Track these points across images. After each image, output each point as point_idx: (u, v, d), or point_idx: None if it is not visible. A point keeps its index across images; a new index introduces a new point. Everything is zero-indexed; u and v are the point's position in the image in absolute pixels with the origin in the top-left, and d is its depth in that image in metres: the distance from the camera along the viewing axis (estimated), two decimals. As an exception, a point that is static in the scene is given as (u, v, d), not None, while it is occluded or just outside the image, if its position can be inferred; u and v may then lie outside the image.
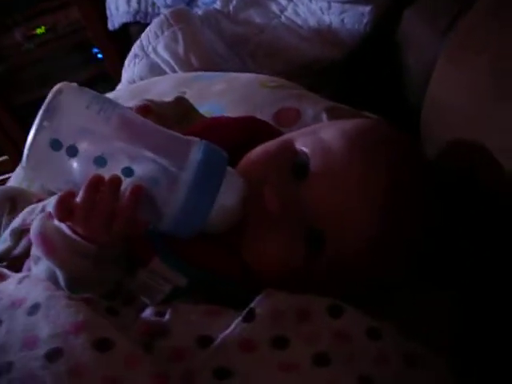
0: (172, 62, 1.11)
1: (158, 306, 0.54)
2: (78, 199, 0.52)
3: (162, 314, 0.53)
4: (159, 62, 1.12)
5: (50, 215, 0.57)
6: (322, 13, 1.08)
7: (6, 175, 1.99)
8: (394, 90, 1.02)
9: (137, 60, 1.16)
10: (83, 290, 0.53)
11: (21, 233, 0.72)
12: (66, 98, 0.54)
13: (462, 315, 0.61)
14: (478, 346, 0.59)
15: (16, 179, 0.99)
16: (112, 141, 0.53)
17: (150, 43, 1.13)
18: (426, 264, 0.60)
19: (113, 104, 0.56)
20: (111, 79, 1.77)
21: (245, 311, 0.50)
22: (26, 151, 0.53)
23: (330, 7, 1.05)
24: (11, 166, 2.06)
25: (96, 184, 0.51)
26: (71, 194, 0.53)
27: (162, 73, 1.12)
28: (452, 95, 0.73)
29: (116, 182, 0.51)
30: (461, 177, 0.63)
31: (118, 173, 0.52)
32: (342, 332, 0.50)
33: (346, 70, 1.10)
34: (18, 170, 1.01)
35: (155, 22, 1.12)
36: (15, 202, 0.80)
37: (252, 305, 0.50)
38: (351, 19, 1.04)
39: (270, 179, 0.57)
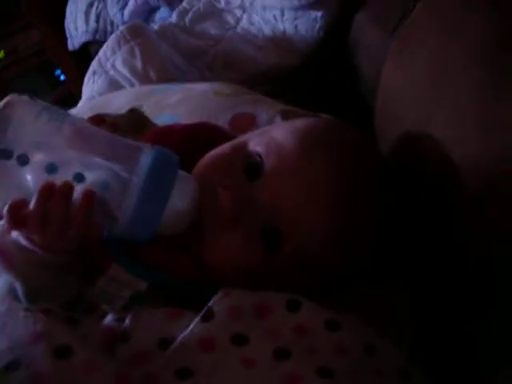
0: (130, 77, 1.11)
1: (118, 313, 0.54)
2: (30, 206, 0.52)
3: (122, 320, 0.53)
4: (118, 77, 1.13)
5: (7, 229, 0.58)
6: (276, 20, 1.09)
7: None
8: (350, 92, 1.05)
9: (96, 77, 1.16)
10: (43, 300, 0.53)
11: None
12: (16, 108, 0.55)
13: (414, 305, 0.62)
14: (433, 336, 0.60)
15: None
16: (62, 148, 0.54)
17: (107, 59, 1.13)
18: (380, 256, 0.61)
19: (63, 113, 0.56)
20: (76, 99, 1.77)
21: (203, 311, 0.50)
22: None
23: (283, 14, 1.07)
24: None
25: (48, 190, 0.51)
26: (22, 202, 0.53)
27: (121, 88, 1.12)
28: (398, 89, 0.75)
29: (67, 187, 0.51)
30: (413, 169, 0.65)
31: (70, 179, 0.53)
32: (300, 326, 0.51)
33: (303, 75, 1.11)
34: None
35: (112, 38, 1.13)
36: None
37: (210, 304, 0.51)
38: (304, 25, 1.06)
39: (223, 181, 0.57)
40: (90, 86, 1.17)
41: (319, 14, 1.02)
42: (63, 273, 0.55)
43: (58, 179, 0.52)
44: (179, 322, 0.52)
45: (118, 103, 0.97)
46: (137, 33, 1.11)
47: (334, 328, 0.51)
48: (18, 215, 0.53)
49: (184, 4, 1.20)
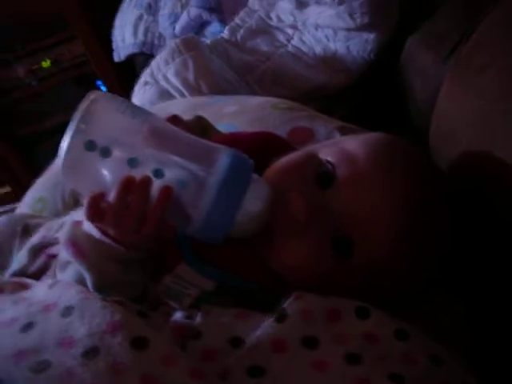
0: (182, 89, 1.14)
1: (187, 310, 0.55)
2: (110, 199, 0.53)
3: (192, 318, 0.54)
4: (169, 88, 1.15)
5: (77, 223, 0.59)
6: (328, 40, 1.11)
7: (8, 207, 2.00)
8: (401, 113, 1.06)
9: (147, 87, 1.19)
10: (110, 293, 0.54)
11: (39, 250, 0.74)
12: (101, 102, 0.57)
13: (472, 319, 0.62)
14: (489, 347, 0.60)
15: (26, 206, 0.99)
16: (143, 145, 0.55)
17: (160, 70, 1.16)
18: (440, 271, 0.61)
19: (145, 111, 0.58)
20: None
21: (276, 312, 0.51)
22: (61, 154, 0.54)
23: (336, 34, 1.09)
24: (12, 198, 2.08)
25: (127, 184, 0.53)
26: (102, 196, 0.54)
27: (172, 99, 1.14)
28: (459, 112, 0.76)
29: (146, 182, 0.53)
30: (472, 189, 0.65)
31: (149, 174, 0.54)
32: (370, 333, 0.51)
33: (354, 94, 1.13)
34: (27, 197, 1.01)
35: (166, 49, 1.15)
36: (27, 226, 0.81)
37: (283, 305, 0.51)
38: (356, 46, 1.07)
39: (296, 187, 0.58)
40: (141, 95, 1.19)
41: (372, 36, 1.04)
42: (133, 268, 0.56)
43: (138, 174, 0.54)
44: (249, 322, 0.52)
45: (174, 111, 0.99)
46: (191, 46, 1.14)
47: (403, 337, 0.51)
48: (98, 207, 0.54)
49: (237, 20, 1.22)
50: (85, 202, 0.55)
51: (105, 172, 0.56)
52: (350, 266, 0.57)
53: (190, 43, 1.14)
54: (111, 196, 0.54)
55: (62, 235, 0.61)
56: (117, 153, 0.54)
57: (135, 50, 1.53)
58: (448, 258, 0.60)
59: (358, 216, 0.56)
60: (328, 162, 0.59)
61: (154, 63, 1.18)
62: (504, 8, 0.73)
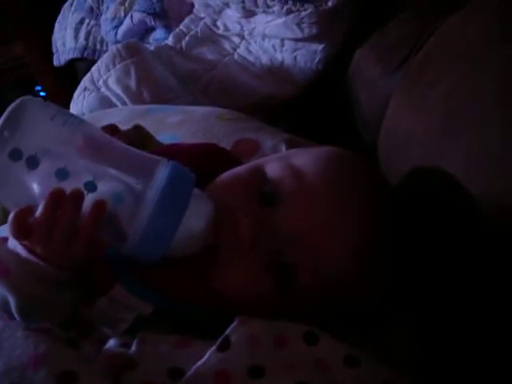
0: (123, 96, 1.09)
1: (122, 337, 0.51)
2: (37, 215, 0.49)
3: (127, 346, 0.49)
4: (110, 95, 1.10)
5: (2, 240, 0.54)
6: (275, 50, 1.09)
7: None
8: (347, 125, 1.05)
9: (86, 93, 1.13)
10: (37, 317, 0.50)
11: None
12: (29, 108, 0.52)
13: (423, 342, 0.61)
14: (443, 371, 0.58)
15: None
16: (75, 154, 0.51)
17: (100, 76, 1.11)
18: (390, 293, 0.59)
19: (78, 119, 0.54)
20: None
21: (219, 340, 0.47)
22: None
23: (283, 45, 1.07)
24: None
25: (57, 198, 0.48)
26: (29, 211, 0.49)
27: (112, 106, 1.10)
28: (408, 126, 0.75)
29: (77, 195, 0.48)
30: (422, 203, 0.64)
31: (81, 187, 0.50)
32: (319, 359, 0.48)
33: (299, 105, 1.11)
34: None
35: (107, 54, 1.10)
36: None
37: (227, 332, 0.48)
38: (303, 57, 1.05)
39: (241, 205, 0.55)
40: (80, 101, 1.14)
41: (320, 46, 1.02)
42: (61, 289, 0.52)
43: (68, 187, 0.49)
44: (189, 350, 0.49)
45: (113, 120, 0.94)
46: (133, 51, 1.10)
47: (354, 364, 0.49)
48: (24, 223, 0.49)
49: (181, 27, 1.19)
50: (10, 217, 0.50)
51: (32, 184, 0.51)
52: (293, 290, 0.54)
53: (133, 49, 1.10)
54: (39, 210, 0.49)
55: None
56: (45, 163, 0.50)
57: (76, 54, 1.47)
58: (399, 275, 0.59)
59: (306, 235, 0.53)
60: (273, 178, 0.57)
61: (94, 69, 1.13)
62: (453, 22, 0.73)
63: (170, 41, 1.18)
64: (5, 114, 0.50)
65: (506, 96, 0.57)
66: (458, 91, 0.64)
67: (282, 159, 0.60)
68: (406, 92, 0.78)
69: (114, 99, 1.10)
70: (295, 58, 1.07)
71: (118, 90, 1.09)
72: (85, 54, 1.45)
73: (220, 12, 1.14)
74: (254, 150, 0.80)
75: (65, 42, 1.51)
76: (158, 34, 1.22)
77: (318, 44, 1.02)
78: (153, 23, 1.21)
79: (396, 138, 0.77)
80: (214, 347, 0.47)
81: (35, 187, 0.51)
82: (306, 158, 0.59)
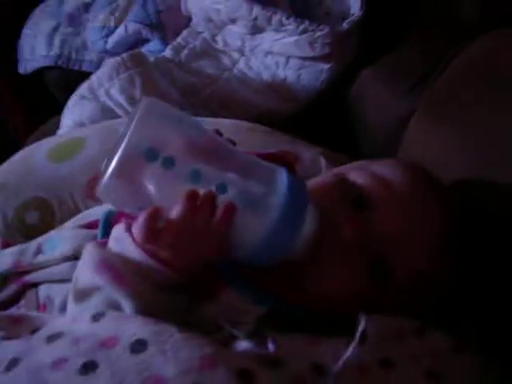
0: (127, 106, 1.07)
1: (250, 339, 0.51)
2: (173, 216, 0.49)
3: (259, 346, 0.50)
4: (111, 105, 1.08)
5: (100, 244, 0.53)
6: (277, 67, 1.13)
7: None
8: (346, 142, 1.10)
9: (84, 102, 1.10)
10: None
11: (8, 276, 0.66)
12: (159, 109, 0.52)
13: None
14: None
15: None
16: (204, 157, 0.52)
17: (102, 85, 1.09)
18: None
19: (199, 123, 0.55)
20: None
21: (358, 334, 0.50)
22: (114, 163, 0.49)
23: (287, 62, 1.10)
24: None
25: (194, 199, 0.49)
26: (160, 213, 0.50)
27: (116, 116, 1.08)
28: (435, 152, 0.81)
29: (212, 197, 0.50)
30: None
31: (213, 189, 0.51)
32: (434, 351, 0.52)
33: (298, 121, 1.15)
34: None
35: (110, 63, 1.08)
36: None
37: (363, 327, 0.50)
38: (308, 75, 1.10)
39: (337, 210, 0.58)
40: (77, 110, 1.10)
41: (327, 66, 1.07)
42: (173, 293, 0.52)
43: (200, 189, 0.50)
44: (321, 347, 0.51)
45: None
46: (138, 62, 1.09)
47: (460, 351, 0.53)
48: (155, 226, 0.49)
49: (179, 40, 1.19)
50: (140, 219, 0.50)
51: (162, 185, 0.51)
52: (389, 288, 0.58)
53: (137, 59, 1.09)
54: (175, 212, 0.49)
55: (83, 260, 0.54)
56: (180, 164, 0.50)
57: (48, 62, 1.41)
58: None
59: (398, 236, 0.58)
60: (359, 185, 0.60)
61: (94, 77, 1.10)
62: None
63: (168, 53, 1.18)
64: (138, 113, 0.50)
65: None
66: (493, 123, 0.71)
67: (362, 169, 0.64)
68: (432, 116, 0.84)
69: (116, 109, 1.08)
70: (299, 75, 1.11)
71: (122, 100, 1.07)
72: (59, 63, 1.40)
73: (221, 27, 1.16)
74: (295, 162, 0.83)
75: (34, 50, 1.44)
76: (154, 45, 1.21)
77: (325, 64, 1.06)
78: (149, 35, 1.20)
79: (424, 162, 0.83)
80: (355, 341, 0.49)
81: (164, 188, 0.51)
82: (385, 168, 0.63)
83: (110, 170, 0.49)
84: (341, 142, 1.11)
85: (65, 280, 0.61)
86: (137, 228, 0.50)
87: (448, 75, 0.85)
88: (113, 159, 0.49)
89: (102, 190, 0.50)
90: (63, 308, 0.58)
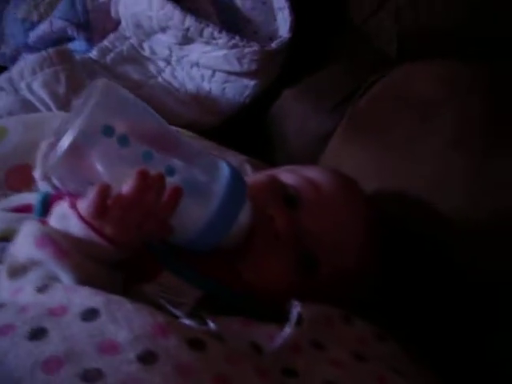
0: (49, 102, 1.06)
1: (190, 318, 0.53)
2: (124, 192, 0.50)
3: (201, 324, 0.52)
4: (32, 99, 1.06)
5: (43, 222, 0.54)
6: (203, 80, 1.15)
7: None
8: (264, 155, 1.15)
9: (2, 93, 1.07)
10: None
11: None
12: (117, 90, 0.54)
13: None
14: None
15: None
16: (155, 141, 0.54)
17: (23, 78, 1.06)
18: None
19: (152, 110, 0.57)
20: None
21: (294, 317, 0.54)
22: (72, 136, 0.50)
23: (213, 75, 1.14)
24: None
25: (144, 178, 0.51)
26: (109, 189, 0.51)
27: (36, 111, 1.06)
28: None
29: (162, 178, 0.52)
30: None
31: (162, 170, 0.53)
32: (359, 336, 0.58)
33: (222, 135, 1.18)
34: None
35: (34, 57, 1.06)
36: None
37: (298, 311, 0.54)
38: (232, 90, 1.14)
39: (269, 204, 0.63)
40: (-7, 101, 1.06)
41: (252, 82, 1.11)
42: (113, 269, 0.54)
43: (151, 170, 0.52)
44: (257, 329, 0.54)
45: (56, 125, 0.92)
46: (64, 58, 1.08)
47: (383, 339, 0.59)
48: (105, 202, 0.51)
49: (106, 42, 1.19)
50: (90, 194, 0.51)
51: (115, 162, 0.52)
52: (315, 280, 0.63)
53: (64, 56, 1.08)
54: (126, 188, 0.51)
55: (22, 236, 0.54)
56: (133, 144, 0.52)
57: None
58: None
59: (325, 236, 0.63)
60: (293, 185, 0.66)
61: (15, 70, 1.07)
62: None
63: (94, 54, 1.18)
64: (94, 90, 0.52)
65: (460, 144, 0.75)
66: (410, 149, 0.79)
67: (293, 171, 0.69)
68: (351, 138, 0.91)
69: (37, 104, 1.06)
70: (224, 89, 1.15)
71: (44, 95, 1.06)
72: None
73: (150, 35, 1.17)
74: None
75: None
76: (79, 45, 1.20)
77: (251, 80, 1.11)
78: (74, 34, 1.19)
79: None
80: (291, 323, 0.53)
81: (120, 165, 0.52)
82: (315, 172, 0.69)
83: (66, 142, 0.50)
84: (259, 157, 1.17)
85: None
86: (85, 203, 0.51)
87: (368, 98, 0.93)
88: (68, 133, 0.50)
89: (55, 162, 0.51)
90: None
